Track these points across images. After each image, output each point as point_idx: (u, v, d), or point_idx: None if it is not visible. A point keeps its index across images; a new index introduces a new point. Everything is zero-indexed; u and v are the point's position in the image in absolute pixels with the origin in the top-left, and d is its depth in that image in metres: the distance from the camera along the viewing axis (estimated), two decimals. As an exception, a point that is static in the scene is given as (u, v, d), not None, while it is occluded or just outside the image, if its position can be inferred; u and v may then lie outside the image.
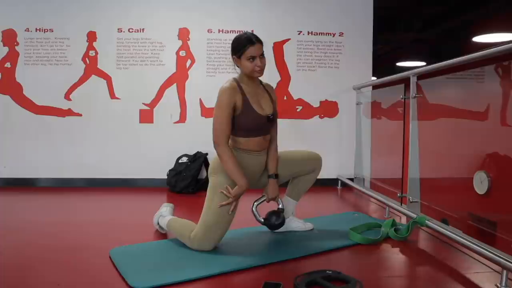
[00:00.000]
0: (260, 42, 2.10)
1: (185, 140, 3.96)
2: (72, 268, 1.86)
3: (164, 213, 2.40)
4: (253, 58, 2.07)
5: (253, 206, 2.21)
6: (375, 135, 3.83)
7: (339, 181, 4.04)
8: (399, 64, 7.18)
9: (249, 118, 2.11)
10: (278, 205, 2.28)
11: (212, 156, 2.19)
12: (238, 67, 2.15)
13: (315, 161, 2.42)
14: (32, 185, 3.97)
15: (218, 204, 2.07)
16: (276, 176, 2.26)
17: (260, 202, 2.25)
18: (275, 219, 2.20)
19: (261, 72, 2.12)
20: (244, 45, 2.07)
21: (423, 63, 6.27)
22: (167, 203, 2.51)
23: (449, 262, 2.02)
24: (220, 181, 2.11)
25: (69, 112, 3.98)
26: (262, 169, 2.26)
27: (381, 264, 2.05)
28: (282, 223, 2.22)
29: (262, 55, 2.11)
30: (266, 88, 2.28)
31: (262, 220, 2.21)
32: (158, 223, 2.39)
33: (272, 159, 2.27)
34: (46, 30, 3.96)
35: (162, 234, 2.37)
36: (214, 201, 2.08)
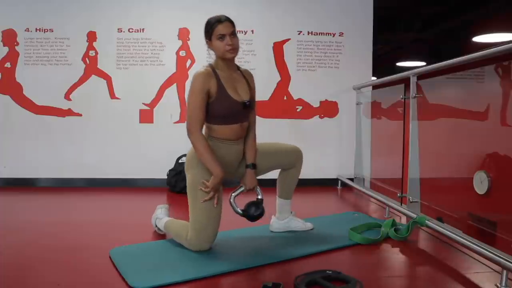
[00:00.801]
0: (229, 21, 2.05)
1: (185, 140, 3.86)
2: (72, 268, 1.86)
3: (160, 215, 2.38)
4: (222, 36, 2.02)
5: (230, 197, 2.12)
6: (375, 135, 3.83)
7: (339, 181, 4.04)
8: (399, 64, 7.18)
9: (224, 105, 2.04)
10: (257, 195, 2.20)
11: (189, 152, 2.15)
12: (212, 51, 2.09)
13: (294, 154, 2.34)
14: (32, 185, 3.97)
15: (201, 200, 2.03)
16: (254, 166, 2.19)
17: (238, 193, 2.17)
18: (254, 210, 2.10)
19: (233, 51, 2.05)
20: (212, 25, 2.04)
21: (423, 63, 6.28)
22: (162, 204, 2.48)
23: (449, 262, 2.02)
24: (195, 176, 2.06)
25: (69, 112, 3.98)
26: (239, 158, 2.20)
27: (381, 264, 2.05)
28: (261, 214, 2.12)
29: (233, 35, 2.04)
30: (244, 74, 2.21)
31: (241, 211, 2.12)
32: (155, 225, 2.39)
33: (250, 149, 2.19)
34: (46, 30, 3.96)
35: (161, 234, 2.37)
36: (198, 201, 2.04)
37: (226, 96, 2.05)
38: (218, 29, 2.02)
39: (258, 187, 2.21)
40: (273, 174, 2.42)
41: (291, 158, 2.33)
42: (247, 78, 2.21)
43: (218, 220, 2.07)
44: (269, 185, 2.43)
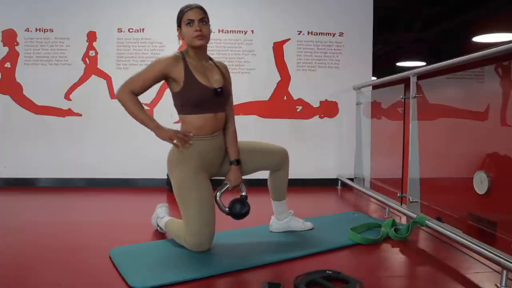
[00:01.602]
0: (200, 8, 2.02)
1: None
2: (72, 268, 1.86)
3: (161, 214, 2.38)
4: (191, 21, 1.98)
5: (215, 195, 2.07)
6: (375, 135, 3.83)
7: (339, 181, 4.04)
8: (399, 64, 7.18)
9: (194, 91, 1.98)
10: (241, 192, 2.16)
11: (169, 152, 2.14)
12: (182, 39, 2.06)
13: (280, 154, 2.29)
14: (32, 185, 3.97)
15: (168, 136, 2.00)
16: (238, 161, 2.15)
17: (223, 191, 2.12)
18: (239, 208, 2.06)
19: (202, 38, 1.99)
20: (182, 11, 2.02)
21: (423, 63, 6.27)
22: (162, 203, 2.48)
23: (449, 262, 2.02)
24: (179, 177, 2.03)
25: (69, 112, 3.98)
26: (222, 154, 2.15)
27: (381, 264, 2.05)
28: (247, 212, 2.08)
29: (203, 22, 2.00)
30: (217, 64, 2.16)
31: (227, 210, 2.08)
32: (157, 225, 2.38)
33: (231, 144, 2.15)
34: (46, 30, 3.96)
35: (161, 234, 2.37)
36: (188, 204, 2.00)
37: (195, 82, 1.99)
38: (187, 15, 1.99)
39: (242, 183, 2.18)
40: (263, 173, 2.39)
41: (277, 159, 2.28)
42: (221, 68, 2.16)
43: (212, 220, 2.03)
44: (262, 185, 2.42)
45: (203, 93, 2.01)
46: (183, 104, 2.04)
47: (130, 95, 1.98)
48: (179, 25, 2.05)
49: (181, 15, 2.03)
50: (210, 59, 2.17)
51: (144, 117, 2.01)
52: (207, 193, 2.03)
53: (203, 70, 2.06)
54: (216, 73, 2.11)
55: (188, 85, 1.99)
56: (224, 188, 2.14)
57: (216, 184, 2.15)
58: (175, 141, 2.01)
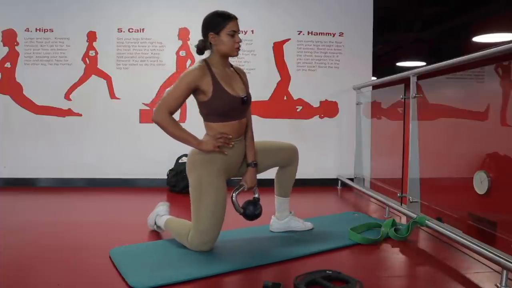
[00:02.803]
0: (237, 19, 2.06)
1: None
2: (72, 268, 1.86)
3: (161, 212, 2.38)
4: (234, 33, 2.02)
5: (232, 196, 2.13)
6: (375, 135, 3.83)
7: (339, 181, 4.04)
8: (399, 64, 7.18)
9: (222, 101, 2.03)
10: (254, 194, 2.21)
11: (189, 152, 2.15)
12: (212, 47, 2.06)
13: (291, 151, 2.35)
14: (32, 185, 3.97)
15: (211, 146, 2.02)
16: (255, 164, 2.20)
17: (239, 192, 2.17)
18: (253, 209, 2.12)
19: (238, 50, 2.08)
20: (225, 19, 2.02)
21: (423, 63, 6.27)
22: (163, 202, 2.49)
23: (449, 262, 2.02)
24: (200, 177, 2.04)
25: (69, 112, 3.98)
26: (242, 158, 2.20)
27: (381, 264, 2.05)
28: (260, 213, 2.15)
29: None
30: (236, 71, 2.21)
31: (242, 210, 2.13)
32: (155, 223, 2.38)
33: (250, 147, 2.20)
34: (46, 30, 3.96)
35: (161, 234, 2.37)
36: (203, 203, 2.02)
37: (223, 92, 2.03)
38: (231, 25, 2.02)
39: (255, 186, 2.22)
40: (271, 174, 2.42)
41: (287, 155, 2.34)
42: (240, 74, 2.21)
43: (221, 223, 2.06)
44: (267, 185, 2.43)
45: (231, 103, 2.05)
46: (210, 113, 2.08)
47: (168, 117, 2.00)
48: (216, 31, 2.03)
49: (222, 23, 2.02)
50: (231, 65, 2.21)
51: (185, 136, 2.04)
52: (223, 195, 2.06)
53: (228, 79, 2.10)
54: (238, 80, 2.16)
55: (216, 95, 2.03)
56: (240, 189, 2.19)
57: (230, 185, 2.17)
58: (218, 147, 2.05)
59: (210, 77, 2.03)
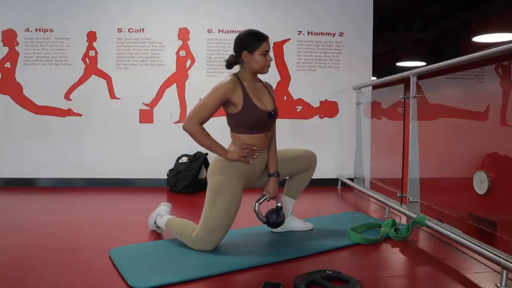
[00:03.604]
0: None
1: (185, 140, 3.85)
2: (72, 268, 1.86)
3: (162, 212, 2.39)
4: (266, 52, 2.13)
5: (255, 205, 2.21)
6: (375, 135, 3.83)
7: (339, 181, 4.04)
8: (399, 64, 7.18)
9: (251, 114, 2.11)
10: (277, 203, 2.28)
11: (214, 156, 2.18)
12: (244, 63, 2.15)
13: (310, 159, 2.44)
14: (32, 185, 3.97)
15: (237, 156, 2.08)
16: (278, 174, 2.27)
17: (262, 201, 2.24)
18: (276, 217, 2.20)
19: (269, 68, 2.18)
20: (259, 39, 2.12)
21: (423, 63, 6.27)
22: (165, 202, 2.50)
23: (449, 262, 2.02)
24: (221, 182, 2.09)
25: (69, 112, 3.98)
26: (263, 168, 2.26)
27: (381, 264, 2.05)
28: (283, 221, 2.24)
29: None
30: (265, 85, 2.30)
31: (265, 219, 2.21)
32: (155, 223, 2.39)
33: (273, 158, 2.28)
34: (46, 30, 3.96)
35: (161, 234, 2.37)
36: (218, 203, 2.06)
37: (253, 106, 2.11)
38: (265, 46, 2.13)
39: (278, 195, 2.29)
40: None
41: (307, 164, 2.43)
42: (268, 88, 2.29)
43: (230, 224, 2.11)
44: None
45: (260, 116, 2.13)
46: (238, 125, 2.15)
47: (198, 127, 2.07)
48: (250, 51, 2.12)
49: (257, 43, 2.12)
50: (260, 80, 2.28)
51: (212, 144, 2.11)
52: (238, 201, 2.10)
53: (257, 93, 2.18)
54: (267, 94, 2.24)
55: (246, 108, 2.10)
56: (263, 199, 2.26)
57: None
58: (244, 157, 2.11)
59: (241, 90, 2.11)
